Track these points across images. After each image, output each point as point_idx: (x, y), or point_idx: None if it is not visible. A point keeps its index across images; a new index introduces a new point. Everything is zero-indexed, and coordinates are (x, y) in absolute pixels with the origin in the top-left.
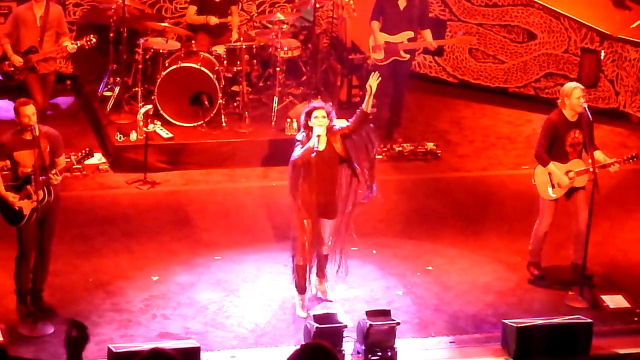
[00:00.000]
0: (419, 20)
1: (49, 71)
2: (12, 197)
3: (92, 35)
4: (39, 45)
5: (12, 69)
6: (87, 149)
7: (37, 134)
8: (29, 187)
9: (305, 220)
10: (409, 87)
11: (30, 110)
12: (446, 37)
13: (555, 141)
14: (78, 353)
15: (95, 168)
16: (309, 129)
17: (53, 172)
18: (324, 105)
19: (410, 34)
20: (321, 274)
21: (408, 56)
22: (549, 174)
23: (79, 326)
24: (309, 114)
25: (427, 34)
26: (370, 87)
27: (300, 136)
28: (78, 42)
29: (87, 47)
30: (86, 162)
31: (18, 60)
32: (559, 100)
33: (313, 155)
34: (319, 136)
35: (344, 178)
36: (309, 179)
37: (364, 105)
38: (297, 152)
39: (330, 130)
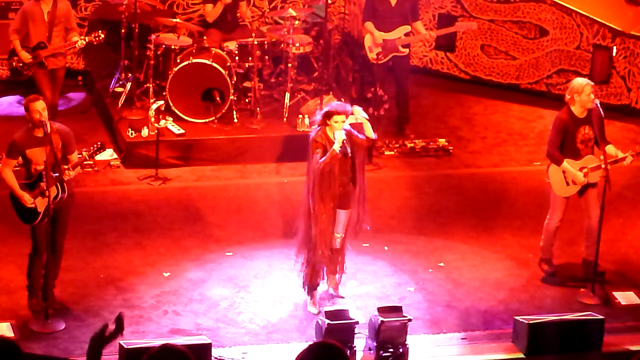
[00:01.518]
0: (410, 13)
1: (57, 67)
2: (27, 197)
3: (100, 31)
4: (48, 41)
5: (21, 64)
6: (99, 143)
7: (48, 130)
8: (42, 184)
9: (324, 216)
10: (410, 80)
11: (40, 105)
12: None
13: (565, 139)
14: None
15: (107, 164)
16: (324, 127)
17: (66, 167)
18: (347, 109)
19: (407, 28)
20: (332, 270)
21: (407, 50)
22: (563, 171)
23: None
24: (329, 116)
25: (419, 25)
26: (363, 118)
27: (316, 135)
28: (87, 37)
29: (95, 43)
30: (98, 156)
31: (26, 56)
32: (568, 97)
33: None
34: (344, 141)
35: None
36: (331, 175)
37: (368, 133)
38: (321, 159)
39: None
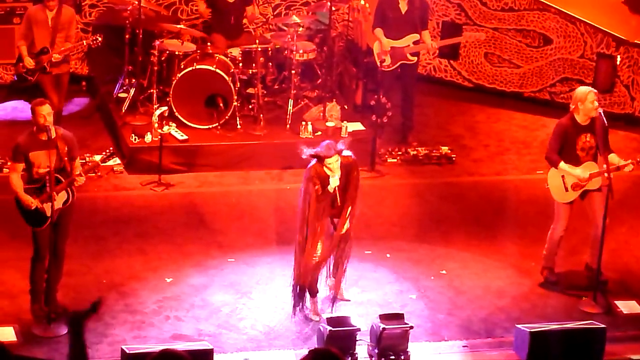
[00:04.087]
0: (419, 22)
1: (62, 72)
2: (30, 199)
3: (98, 35)
4: (51, 46)
5: (25, 70)
6: (110, 149)
7: (53, 135)
8: (48, 189)
9: (318, 228)
10: (416, 89)
11: (45, 109)
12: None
13: (566, 145)
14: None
15: (110, 169)
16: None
17: (77, 172)
18: (337, 149)
19: (416, 36)
20: (334, 271)
21: (415, 59)
22: (562, 177)
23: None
24: (321, 161)
25: (426, 35)
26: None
27: (310, 171)
28: (84, 41)
29: (93, 46)
30: (109, 162)
31: (29, 62)
32: (572, 106)
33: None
34: (337, 187)
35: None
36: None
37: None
38: (320, 191)
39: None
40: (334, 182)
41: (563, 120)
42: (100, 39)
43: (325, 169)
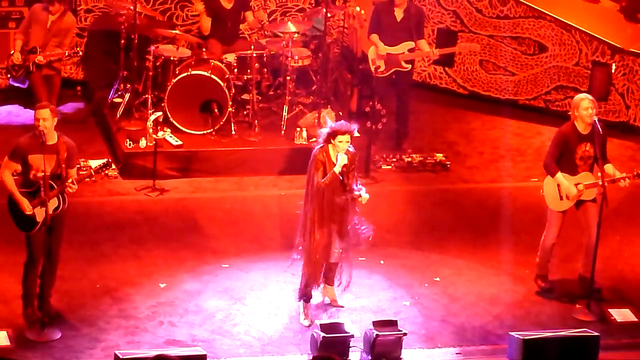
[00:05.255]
0: (415, 31)
1: (51, 73)
2: (26, 203)
3: (79, 49)
4: (42, 48)
5: (11, 64)
6: (107, 160)
7: (47, 140)
8: (43, 194)
9: (321, 229)
10: (411, 96)
11: (42, 113)
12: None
13: (565, 153)
14: None
15: (104, 174)
16: (329, 144)
17: (69, 181)
18: (351, 129)
19: (411, 44)
20: (330, 281)
21: (409, 66)
22: (558, 185)
23: None
24: (333, 135)
25: (423, 43)
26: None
27: (318, 152)
28: (66, 51)
29: (74, 59)
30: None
31: (17, 57)
32: (570, 112)
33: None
34: (345, 165)
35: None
36: (328, 193)
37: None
38: (322, 178)
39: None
40: (342, 159)
41: (564, 127)
42: (81, 53)
43: (334, 147)
